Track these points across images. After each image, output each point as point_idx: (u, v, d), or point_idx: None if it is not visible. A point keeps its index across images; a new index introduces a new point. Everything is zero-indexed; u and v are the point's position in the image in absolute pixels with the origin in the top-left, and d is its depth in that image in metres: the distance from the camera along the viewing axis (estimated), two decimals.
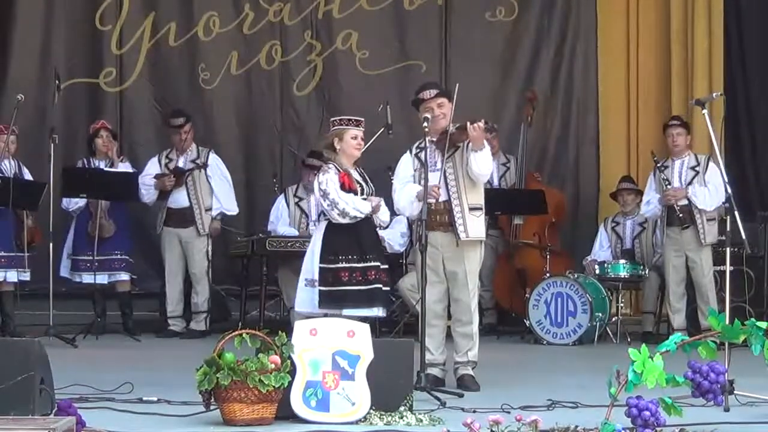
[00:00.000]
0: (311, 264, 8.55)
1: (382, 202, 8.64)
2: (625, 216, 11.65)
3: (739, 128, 12.64)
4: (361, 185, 8.51)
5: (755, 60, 12.80)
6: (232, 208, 11.68)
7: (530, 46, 13.27)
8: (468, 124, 7.88)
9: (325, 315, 8.22)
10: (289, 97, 13.34)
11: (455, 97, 8.06)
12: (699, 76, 12.50)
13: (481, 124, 7.82)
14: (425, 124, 7.97)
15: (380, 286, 8.48)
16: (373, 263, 8.50)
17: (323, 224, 8.61)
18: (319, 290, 8.44)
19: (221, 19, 13.27)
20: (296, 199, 11.42)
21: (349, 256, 8.47)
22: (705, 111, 8.05)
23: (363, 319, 8.14)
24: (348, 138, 8.49)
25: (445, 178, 8.01)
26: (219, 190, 11.57)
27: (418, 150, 8.16)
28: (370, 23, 13.28)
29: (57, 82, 11.18)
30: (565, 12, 13.26)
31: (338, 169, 8.50)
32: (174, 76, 13.37)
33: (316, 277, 8.48)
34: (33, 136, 12.33)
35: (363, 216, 8.45)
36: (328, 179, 8.43)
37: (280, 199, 11.53)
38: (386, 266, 8.63)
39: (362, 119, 8.69)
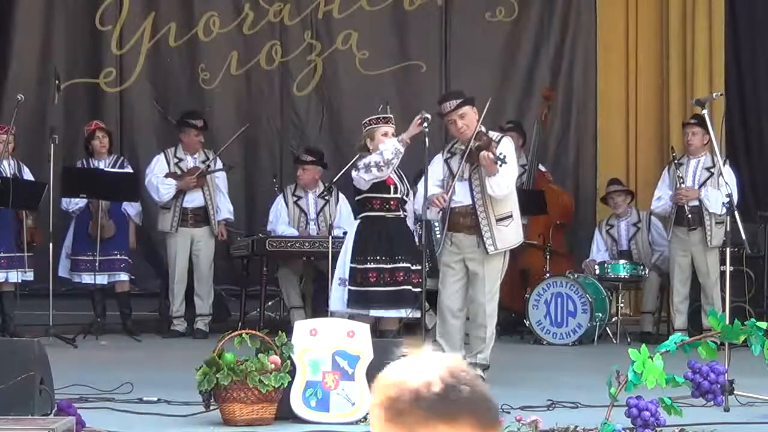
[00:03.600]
0: (343, 263, 8.66)
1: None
2: (618, 218, 11.61)
3: (738, 128, 12.64)
4: (395, 185, 8.64)
5: (753, 60, 12.80)
6: (231, 213, 11.70)
7: (530, 46, 13.27)
8: (476, 153, 7.91)
9: (351, 315, 8.35)
10: (289, 97, 13.34)
11: (484, 112, 8.07)
12: (699, 76, 12.50)
13: (490, 154, 7.81)
14: (425, 124, 8.01)
15: (409, 287, 8.53)
16: (402, 264, 8.55)
17: (356, 223, 8.72)
18: (349, 290, 8.55)
19: (221, 19, 13.27)
20: (295, 198, 11.41)
21: (378, 257, 8.54)
22: (705, 111, 8.06)
23: (400, 321, 8.23)
24: (378, 136, 8.55)
25: (471, 188, 8.03)
26: (225, 194, 11.58)
27: (448, 155, 8.17)
28: (370, 23, 13.28)
29: (57, 82, 11.17)
30: (565, 12, 13.26)
31: None
32: (174, 76, 13.37)
33: (347, 276, 8.59)
34: (33, 136, 12.34)
35: (393, 156, 8.39)
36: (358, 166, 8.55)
37: (279, 199, 11.53)
38: (418, 267, 8.64)
39: (391, 116, 8.73)
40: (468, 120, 8.02)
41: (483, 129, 8.06)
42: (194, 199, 11.40)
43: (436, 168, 8.15)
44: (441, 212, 8.05)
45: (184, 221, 11.39)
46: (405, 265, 8.55)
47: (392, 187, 8.65)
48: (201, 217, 11.41)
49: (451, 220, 8.09)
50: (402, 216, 8.65)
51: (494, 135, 8.15)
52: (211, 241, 11.45)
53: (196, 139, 11.47)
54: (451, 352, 8.14)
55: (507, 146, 7.99)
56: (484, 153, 7.80)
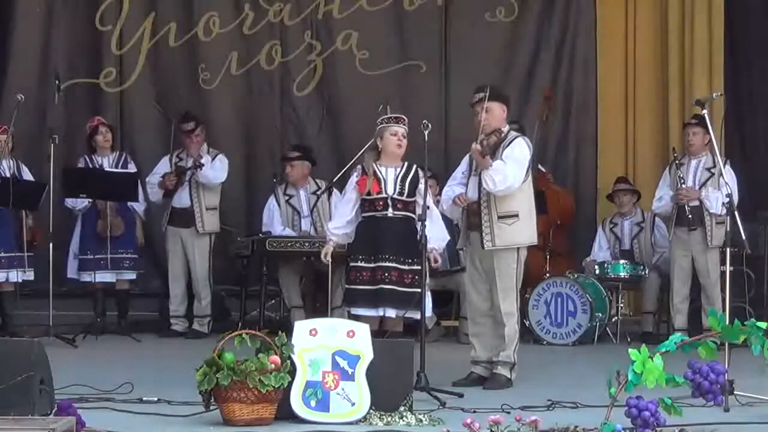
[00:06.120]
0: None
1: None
2: (623, 216, 11.64)
3: (737, 127, 12.63)
4: (381, 186, 8.45)
5: (752, 59, 12.79)
6: (218, 172, 11.41)
7: (530, 46, 13.26)
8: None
9: (349, 313, 8.37)
10: (289, 97, 13.33)
11: (486, 98, 8.06)
12: (698, 76, 12.49)
13: (477, 146, 7.85)
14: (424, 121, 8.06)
15: (391, 287, 8.39)
16: (386, 263, 8.42)
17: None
18: (345, 288, 8.62)
19: (221, 19, 13.26)
20: (286, 197, 11.40)
21: (361, 256, 8.49)
22: (705, 111, 8.05)
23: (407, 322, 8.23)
24: (387, 135, 8.50)
25: (479, 184, 8.05)
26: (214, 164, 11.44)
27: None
28: (370, 23, 13.27)
29: (57, 82, 11.17)
30: (565, 12, 13.24)
31: (363, 172, 8.52)
32: (174, 76, 13.36)
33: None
34: (33, 136, 12.33)
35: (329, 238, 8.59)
36: (346, 187, 8.64)
37: (271, 200, 11.48)
38: (416, 267, 8.33)
39: (403, 116, 8.68)
40: (490, 115, 8.05)
41: (504, 129, 8.09)
42: (180, 199, 11.40)
43: (461, 166, 8.27)
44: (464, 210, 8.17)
45: (174, 221, 11.41)
46: (390, 264, 8.44)
47: (381, 190, 8.57)
48: (187, 216, 11.40)
49: (467, 218, 8.18)
50: (390, 214, 8.50)
51: (511, 135, 8.16)
52: (200, 240, 11.41)
53: (188, 141, 11.45)
54: (483, 352, 8.20)
55: (516, 146, 8.01)
56: (473, 144, 7.86)
